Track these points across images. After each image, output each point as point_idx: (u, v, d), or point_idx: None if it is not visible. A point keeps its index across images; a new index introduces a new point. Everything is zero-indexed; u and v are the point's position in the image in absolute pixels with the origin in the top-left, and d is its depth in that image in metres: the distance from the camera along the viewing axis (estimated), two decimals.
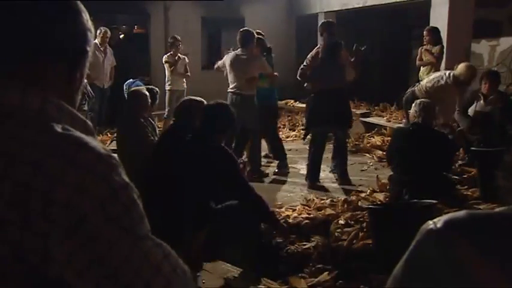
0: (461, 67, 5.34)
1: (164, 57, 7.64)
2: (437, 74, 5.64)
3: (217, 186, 3.23)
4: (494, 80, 5.58)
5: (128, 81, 7.46)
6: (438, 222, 0.75)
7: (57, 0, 0.82)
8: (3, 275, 0.72)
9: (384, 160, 6.21)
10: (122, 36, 10.42)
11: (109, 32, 7.77)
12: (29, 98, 0.78)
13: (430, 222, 0.76)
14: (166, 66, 7.55)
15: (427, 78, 5.64)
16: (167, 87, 7.46)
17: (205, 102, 3.63)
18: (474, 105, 5.65)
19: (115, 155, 0.80)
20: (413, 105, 4.44)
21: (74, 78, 0.86)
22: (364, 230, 3.67)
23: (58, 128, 0.76)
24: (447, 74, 5.40)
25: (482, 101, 5.59)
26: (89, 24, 0.87)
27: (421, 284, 0.75)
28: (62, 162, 0.73)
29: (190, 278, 0.82)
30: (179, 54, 7.61)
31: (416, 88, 5.63)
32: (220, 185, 3.22)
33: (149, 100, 4.39)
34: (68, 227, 0.71)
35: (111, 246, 0.73)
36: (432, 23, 6.88)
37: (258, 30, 6.13)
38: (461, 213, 0.76)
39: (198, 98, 3.84)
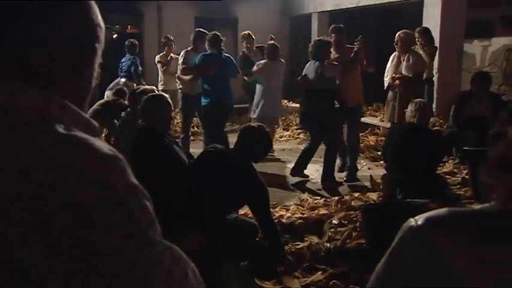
0: None
1: (157, 57, 7.64)
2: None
3: (239, 205, 3.48)
4: (485, 81, 5.68)
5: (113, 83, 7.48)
6: (419, 219, 0.76)
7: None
8: None
9: (378, 160, 6.25)
10: (115, 36, 10.38)
11: None
12: (22, 96, 0.72)
13: (412, 219, 0.77)
14: (158, 66, 7.55)
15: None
16: (160, 88, 7.45)
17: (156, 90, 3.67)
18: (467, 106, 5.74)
19: (121, 156, 0.75)
20: (409, 105, 4.46)
21: (82, 77, 0.81)
22: (358, 229, 3.68)
23: (60, 129, 0.72)
24: None
25: (474, 102, 5.68)
26: (99, 19, 0.81)
27: (402, 280, 0.75)
28: (63, 165, 0.68)
29: (201, 280, 0.79)
30: (172, 54, 7.60)
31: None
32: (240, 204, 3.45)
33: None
34: (72, 233, 0.66)
35: (118, 252, 0.68)
36: (425, 23, 6.91)
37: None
38: (442, 210, 0.77)
39: (150, 88, 3.82)
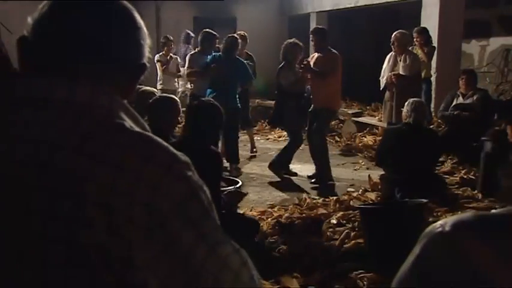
0: None
1: (156, 56, 7.64)
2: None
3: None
4: (471, 77, 5.90)
5: None
6: (446, 225, 0.74)
7: (127, 17, 0.86)
8: (90, 283, 0.69)
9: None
10: None
11: None
12: (98, 96, 0.78)
13: (437, 225, 0.76)
14: (158, 65, 7.56)
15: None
16: (159, 87, 7.46)
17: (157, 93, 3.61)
18: (455, 101, 5.94)
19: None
20: (405, 104, 4.47)
21: (132, 89, 0.88)
22: (356, 229, 3.68)
23: (129, 126, 0.76)
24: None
25: (461, 98, 5.90)
26: (148, 39, 0.89)
27: (428, 286, 0.74)
28: (140, 161, 0.71)
29: (262, 286, 0.81)
30: (171, 54, 7.61)
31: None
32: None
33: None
34: (149, 229, 0.69)
35: (190, 250, 0.71)
36: (423, 23, 6.92)
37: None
38: (468, 215, 0.76)
39: (172, 96, 3.82)
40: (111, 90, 0.80)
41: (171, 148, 0.76)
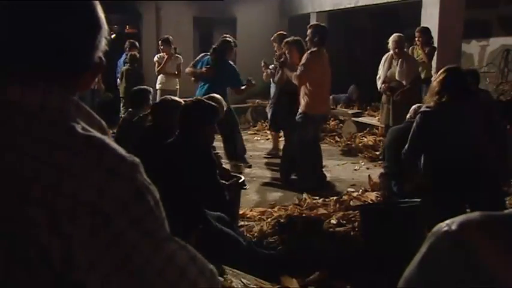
0: None
1: (155, 57, 7.68)
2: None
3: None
4: (472, 78, 5.81)
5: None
6: (452, 224, 0.74)
7: (85, 16, 0.83)
8: (30, 280, 0.72)
9: (376, 160, 6.26)
10: (113, 36, 10.36)
11: None
12: (50, 97, 0.78)
13: (443, 224, 0.75)
14: (156, 66, 7.59)
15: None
16: (157, 87, 7.47)
17: (182, 102, 3.59)
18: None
19: (135, 157, 0.80)
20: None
21: (90, 83, 0.88)
22: (356, 229, 3.68)
23: (79, 129, 0.77)
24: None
25: None
26: (106, 34, 0.88)
27: (438, 287, 0.74)
28: (87, 164, 0.73)
29: (219, 280, 0.82)
30: (175, 54, 7.63)
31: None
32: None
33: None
34: (92, 229, 0.71)
35: (134, 248, 0.73)
36: (423, 23, 6.92)
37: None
38: (474, 214, 0.75)
39: (177, 98, 3.84)
40: (65, 90, 0.80)
41: (119, 150, 0.77)
